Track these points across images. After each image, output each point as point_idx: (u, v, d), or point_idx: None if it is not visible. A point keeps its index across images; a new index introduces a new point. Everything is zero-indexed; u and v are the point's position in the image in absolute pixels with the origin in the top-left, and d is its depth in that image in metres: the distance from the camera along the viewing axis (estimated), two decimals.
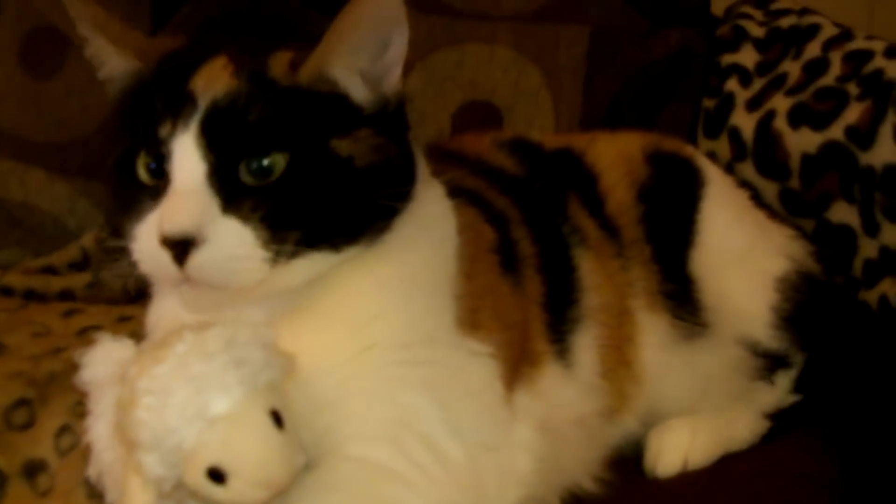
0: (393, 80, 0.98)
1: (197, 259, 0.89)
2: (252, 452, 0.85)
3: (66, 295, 1.64)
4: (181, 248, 0.88)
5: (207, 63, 0.95)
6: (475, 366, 1.00)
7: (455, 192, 1.13)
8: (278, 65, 0.95)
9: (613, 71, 1.73)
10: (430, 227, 1.03)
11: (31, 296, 1.66)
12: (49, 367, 1.23)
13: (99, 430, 0.95)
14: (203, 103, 0.91)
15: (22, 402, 1.04)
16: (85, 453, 0.97)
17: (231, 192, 0.90)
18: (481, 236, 1.11)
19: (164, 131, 0.91)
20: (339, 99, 0.95)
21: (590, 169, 1.28)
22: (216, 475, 0.84)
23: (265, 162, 0.90)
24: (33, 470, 1.05)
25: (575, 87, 1.71)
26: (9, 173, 1.76)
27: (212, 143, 0.90)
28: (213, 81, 0.92)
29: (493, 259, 1.10)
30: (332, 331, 0.96)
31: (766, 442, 1.27)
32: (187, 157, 0.90)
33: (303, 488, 0.90)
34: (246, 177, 0.91)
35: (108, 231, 1.48)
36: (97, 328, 1.32)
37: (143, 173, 0.94)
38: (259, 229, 0.90)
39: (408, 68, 1.68)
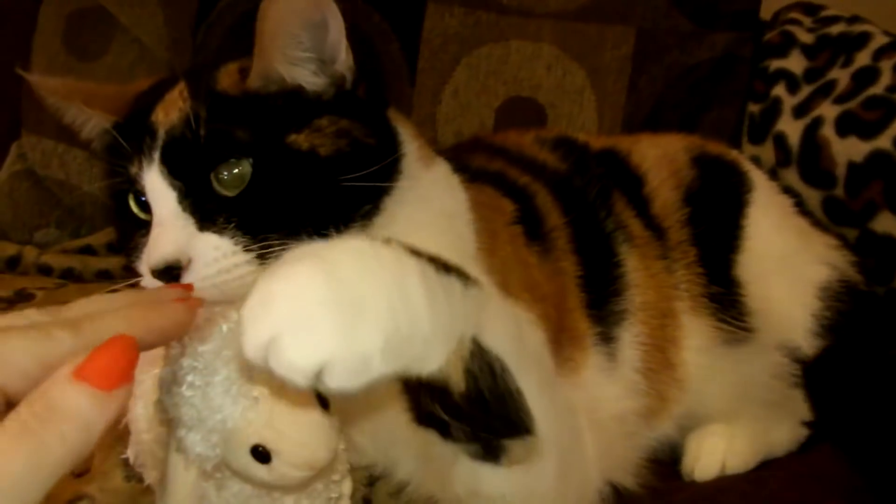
0: (342, 57, 0.98)
1: (188, 280, 0.90)
2: (295, 432, 0.84)
3: (103, 276, 1.65)
4: (169, 274, 0.90)
5: (168, 93, 0.97)
6: (526, 326, 0.97)
7: (475, 175, 1.13)
8: (226, 76, 0.96)
9: (658, 72, 1.71)
10: (435, 204, 1.03)
11: (70, 275, 1.67)
12: None
13: (138, 410, 0.94)
14: (161, 133, 0.93)
15: None
16: (123, 434, 0.97)
17: (206, 209, 0.91)
18: (499, 210, 1.11)
19: (133, 169, 0.94)
20: (292, 94, 0.96)
21: (635, 169, 1.29)
22: (260, 454, 0.83)
23: (234, 171, 0.91)
24: None
25: (619, 88, 1.70)
26: (50, 153, 1.78)
27: (173, 169, 0.92)
28: (170, 110, 0.94)
29: (515, 231, 1.10)
30: None
31: (804, 450, 1.26)
32: (157, 188, 0.92)
33: None
34: (222, 189, 0.92)
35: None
36: None
37: (137, 210, 0.96)
38: (237, 236, 0.91)
39: (453, 63, 1.70)
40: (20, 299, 1.51)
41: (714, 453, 1.21)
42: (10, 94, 1.80)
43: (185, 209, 0.91)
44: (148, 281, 0.92)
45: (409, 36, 1.72)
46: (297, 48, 0.95)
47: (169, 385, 0.85)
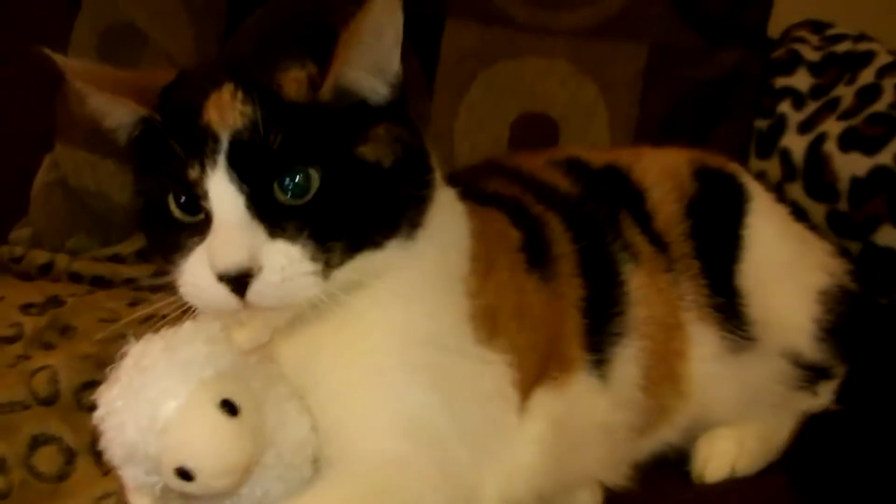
0: (395, 66, 0.99)
1: (256, 287, 0.92)
2: (205, 447, 0.90)
3: (131, 283, 1.70)
4: (238, 281, 0.91)
5: (215, 93, 0.95)
6: (485, 373, 1.03)
7: (491, 200, 1.17)
8: (293, 84, 0.96)
9: (668, 88, 1.75)
10: (441, 231, 1.05)
11: (99, 282, 1.72)
12: (116, 352, 1.29)
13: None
14: (224, 138, 0.92)
15: (92, 384, 1.09)
16: None
17: (273, 216, 0.93)
18: (503, 237, 1.14)
19: (193, 174, 0.93)
20: (357, 106, 0.97)
21: (638, 185, 1.31)
22: (184, 473, 0.89)
23: (299, 181, 0.93)
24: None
25: (630, 103, 1.74)
26: (82, 164, 1.82)
27: (243, 175, 0.92)
28: (227, 113, 0.94)
29: (516, 258, 1.13)
30: (336, 335, 0.99)
31: None
32: (224, 194, 0.92)
33: (317, 481, 0.96)
34: (283, 196, 0.93)
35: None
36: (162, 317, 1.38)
37: (176, 211, 0.96)
38: (307, 246, 0.93)
39: (470, 78, 1.74)
40: (52, 304, 1.56)
41: (724, 456, 1.25)
42: (45, 106, 1.86)
43: (253, 215, 0.92)
44: (198, 281, 0.94)
45: (427, 51, 1.76)
46: (369, 58, 0.96)
47: (99, 433, 0.94)
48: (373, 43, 0.96)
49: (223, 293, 0.92)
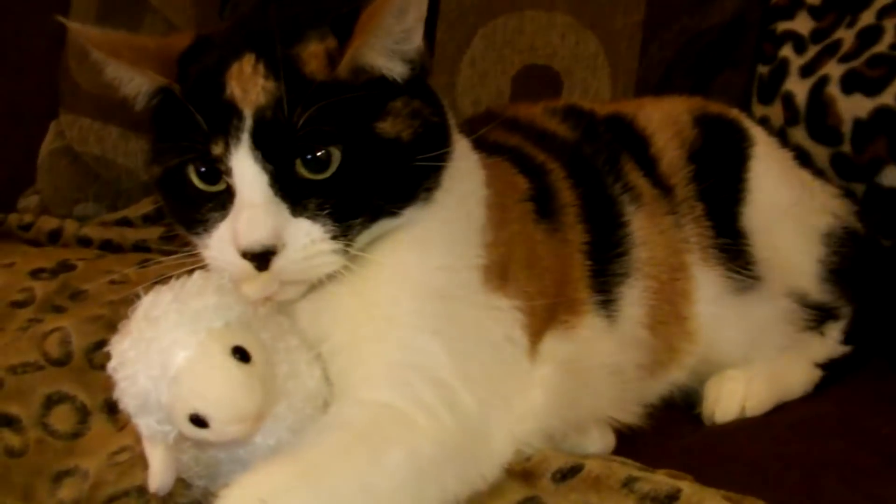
0: (415, 44, 0.99)
1: (279, 263, 0.94)
2: (217, 392, 0.91)
3: (140, 247, 1.71)
4: (262, 257, 0.93)
5: (235, 64, 0.96)
6: (495, 320, 1.04)
7: (493, 150, 1.17)
8: (312, 60, 0.96)
9: (668, 38, 1.74)
10: (458, 182, 1.06)
11: (108, 246, 1.74)
12: (127, 312, 1.30)
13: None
14: (248, 115, 0.93)
15: (103, 344, 1.10)
16: None
17: (296, 193, 0.94)
18: (513, 186, 1.15)
19: (217, 149, 0.94)
20: (376, 81, 0.98)
21: (641, 132, 1.32)
22: (197, 420, 0.91)
23: (322, 156, 0.93)
24: (113, 407, 1.11)
25: (631, 53, 1.73)
26: (87, 130, 1.83)
27: (267, 153, 0.93)
28: (250, 88, 0.94)
29: (525, 207, 1.14)
30: (351, 286, 1.00)
31: (819, 392, 1.31)
32: (248, 172, 0.93)
33: (312, 428, 0.97)
34: (304, 172, 0.94)
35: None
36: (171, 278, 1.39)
37: (197, 181, 0.97)
38: (328, 224, 0.94)
39: (470, 34, 1.74)
40: (62, 269, 1.57)
41: (733, 396, 1.26)
42: (48, 75, 1.87)
43: (276, 193, 0.93)
44: (222, 254, 0.96)
45: (427, 8, 1.76)
46: (388, 39, 0.96)
47: (113, 385, 0.95)
48: (394, 25, 0.96)
49: (247, 267, 0.94)
